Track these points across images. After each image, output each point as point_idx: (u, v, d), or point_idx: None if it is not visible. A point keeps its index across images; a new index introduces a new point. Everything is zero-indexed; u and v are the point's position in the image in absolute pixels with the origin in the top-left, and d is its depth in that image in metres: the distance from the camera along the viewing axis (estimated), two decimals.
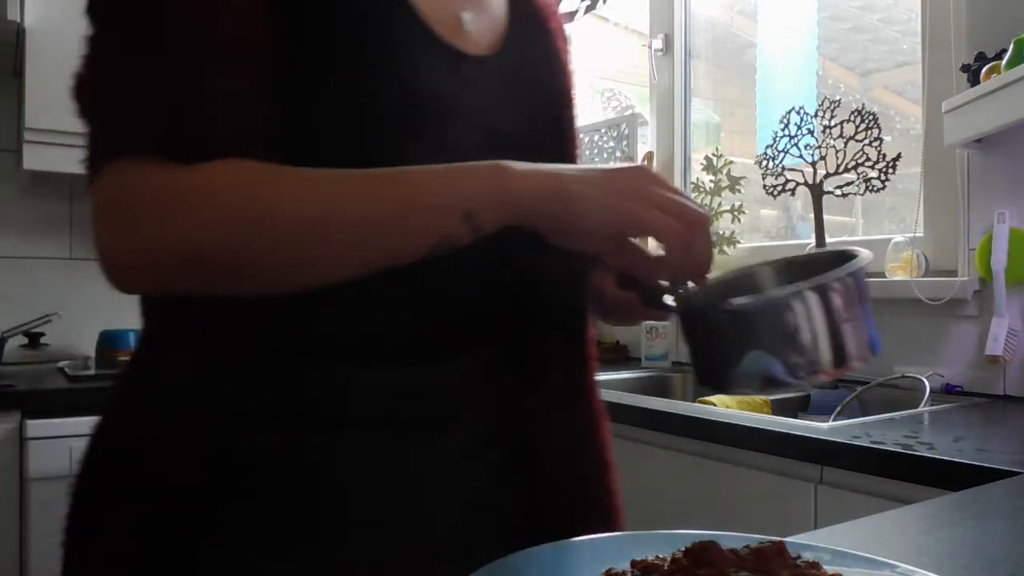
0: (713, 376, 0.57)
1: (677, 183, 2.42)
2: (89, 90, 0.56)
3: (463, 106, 0.65)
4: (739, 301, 0.54)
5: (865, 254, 0.56)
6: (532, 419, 0.67)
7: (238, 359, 0.58)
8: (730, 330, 0.54)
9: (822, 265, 0.56)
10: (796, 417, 1.53)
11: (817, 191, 1.89)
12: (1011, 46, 1.40)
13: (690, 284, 0.61)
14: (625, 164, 0.57)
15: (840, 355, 0.53)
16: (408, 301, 0.61)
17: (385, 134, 0.60)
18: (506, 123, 0.68)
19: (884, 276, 1.73)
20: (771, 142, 1.98)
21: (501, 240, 0.57)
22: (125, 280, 0.56)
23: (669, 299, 0.61)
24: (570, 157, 0.73)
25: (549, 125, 0.72)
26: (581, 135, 2.55)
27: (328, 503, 0.59)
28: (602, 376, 1.96)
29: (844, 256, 0.57)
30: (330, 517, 0.59)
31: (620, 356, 2.36)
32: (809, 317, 0.52)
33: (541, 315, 0.69)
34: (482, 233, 0.55)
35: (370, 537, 0.60)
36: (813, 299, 0.52)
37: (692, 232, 0.56)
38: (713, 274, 0.61)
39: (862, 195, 1.84)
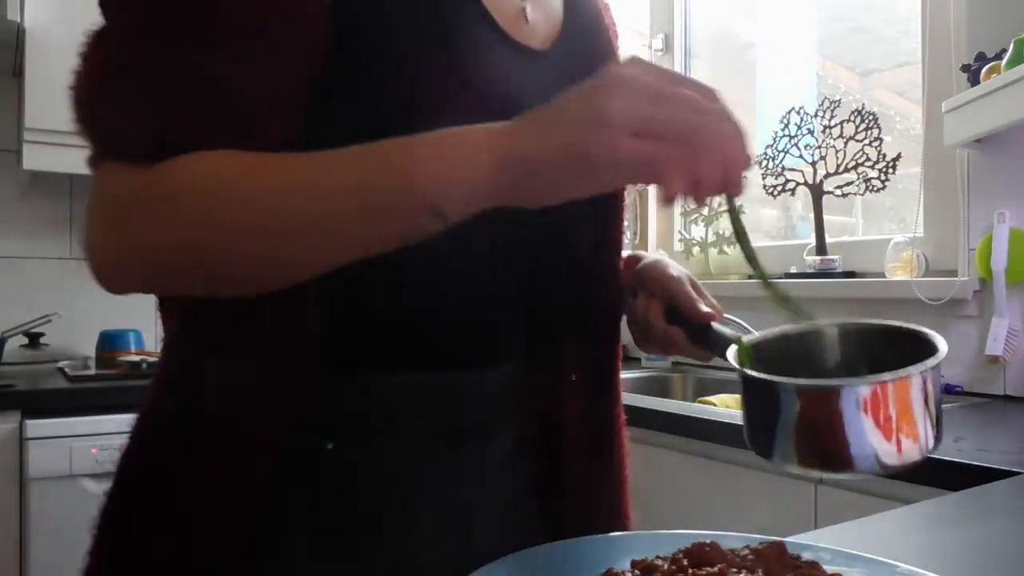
0: (765, 450, 0.53)
1: None
2: (87, 86, 0.55)
3: (524, 102, 0.61)
4: (809, 383, 0.49)
5: (942, 348, 0.51)
6: (559, 428, 0.66)
7: (286, 366, 0.56)
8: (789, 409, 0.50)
9: (895, 341, 0.53)
10: None
11: (817, 191, 1.88)
12: (1011, 46, 1.40)
13: (747, 335, 0.58)
14: (595, 79, 0.46)
15: (897, 451, 0.48)
16: (455, 304, 0.60)
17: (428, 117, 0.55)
18: None
19: (884, 276, 1.72)
20: (771, 142, 1.98)
21: (541, 243, 0.56)
22: (106, 280, 0.55)
23: (731, 355, 0.57)
24: None
25: None
26: None
27: (371, 512, 0.58)
28: None
29: (917, 338, 0.53)
30: (371, 526, 0.58)
31: (668, 355, 2.35)
32: (880, 410, 0.47)
33: (576, 324, 0.68)
34: (448, 220, 0.50)
35: (409, 549, 0.59)
36: (890, 390, 0.47)
37: (695, 149, 0.44)
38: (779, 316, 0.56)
39: (862, 195, 1.84)
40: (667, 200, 0.45)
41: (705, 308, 0.66)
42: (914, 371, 0.47)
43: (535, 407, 0.66)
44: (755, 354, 0.58)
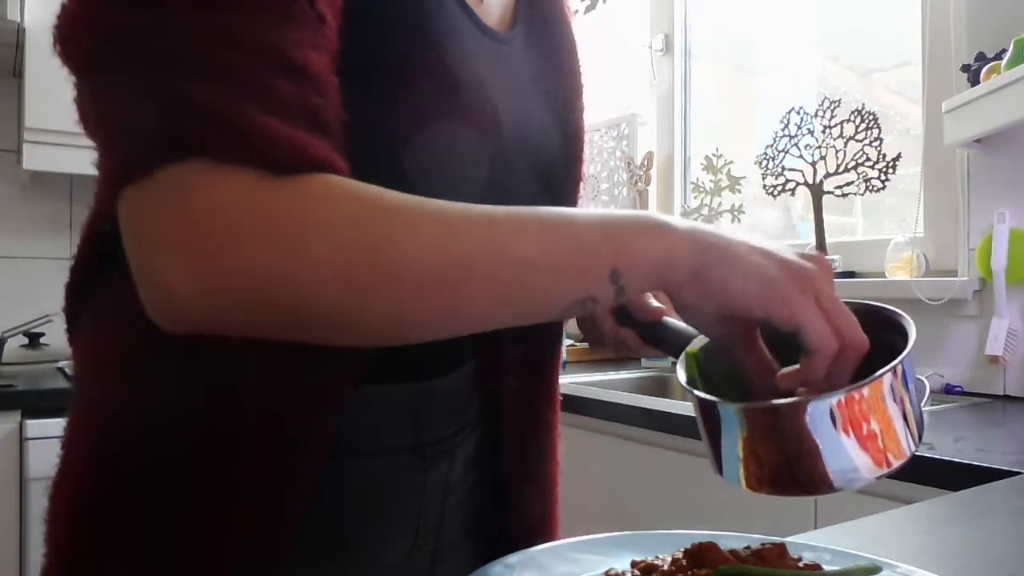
0: (718, 467, 0.52)
1: (677, 183, 2.42)
2: (120, 54, 0.42)
3: (494, 92, 0.58)
4: (751, 405, 0.47)
5: (911, 336, 0.48)
6: (500, 435, 0.66)
7: (254, 376, 0.50)
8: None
9: (865, 319, 0.50)
10: None
11: (817, 191, 1.88)
12: (1011, 46, 1.39)
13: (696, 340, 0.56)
14: (803, 253, 0.49)
15: (875, 463, 0.46)
16: None
17: (416, 115, 0.52)
18: (526, 114, 0.62)
19: (884, 276, 1.72)
20: (771, 142, 1.98)
21: None
22: (181, 321, 0.43)
23: (681, 372, 0.54)
24: (577, 152, 0.69)
25: (560, 115, 0.67)
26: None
27: (343, 528, 0.56)
28: (602, 376, 1.96)
29: (886, 319, 0.51)
30: (342, 547, 0.57)
31: (620, 356, 2.36)
32: (841, 424, 0.45)
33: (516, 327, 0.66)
34: (625, 298, 0.47)
35: (376, 561, 0.59)
36: (845, 404, 0.45)
37: (844, 356, 0.47)
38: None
39: (862, 195, 1.84)
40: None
41: (655, 304, 0.62)
42: (864, 385, 0.45)
43: (482, 412, 0.65)
44: (705, 358, 0.55)
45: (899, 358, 0.46)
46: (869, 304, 0.53)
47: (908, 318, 0.50)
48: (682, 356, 0.55)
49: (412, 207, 0.44)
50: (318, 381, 0.51)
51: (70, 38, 0.44)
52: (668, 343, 0.60)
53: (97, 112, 0.44)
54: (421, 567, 0.62)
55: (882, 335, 0.49)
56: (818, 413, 0.45)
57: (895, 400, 0.46)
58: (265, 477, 0.51)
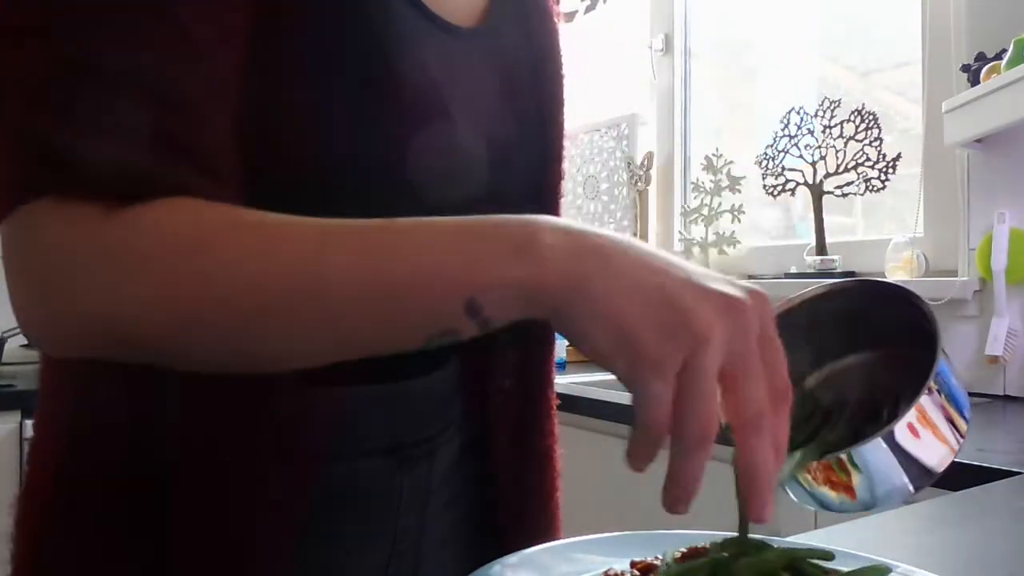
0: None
1: (677, 183, 2.42)
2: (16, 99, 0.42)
3: (450, 91, 0.55)
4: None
5: (939, 337, 0.46)
6: (492, 438, 0.65)
7: (216, 386, 0.49)
8: None
9: (886, 301, 0.49)
10: None
11: (817, 191, 1.88)
12: (1011, 46, 1.39)
13: None
14: (731, 286, 0.38)
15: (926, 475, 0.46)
16: None
17: (362, 125, 0.51)
18: (494, 112, 0.60)
19: (884, 276, 1.72)
20: (771, 142, 1.98)
21: None
22: (44, 347, 0.48)
23: None
24: (556, 152, 0.66)
25: (538, 113, 0.64)
26: (582, 135, 2.51)
27: (316, 534, 0.55)
28: (602, 376, 1.96)
29: (909, 302, 0.48)
30: (320, 549, 0.55)
31: None
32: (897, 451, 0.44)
33: (508, 329, 0.64)
34: (490, 328, 0.41)
35: (352, 568, 0.58)
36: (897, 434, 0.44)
37: (680, 445, 0.40)
38: None
39: (862, 195, 1.84)
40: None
41: None
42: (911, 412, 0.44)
43: (469, 416, 0.64)
44: None
45: (934, 368, 0.45)
46: (886, 283, 0.51)
47: (929, 309, 0.48)
48: None
49: (247, 232, 0.42)
50: (284, 386, 0.50)
51: None
52: None
53: None
54: (403, 572, 0.61)
55: (903, 311, 0.48)
56: (864, 455, 0.44)
57: (937, 409, 0.45)
58: (232, 490, 0.51)
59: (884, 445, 0.44)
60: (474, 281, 0.39)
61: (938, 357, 0.45)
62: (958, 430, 0.47)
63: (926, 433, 0.45)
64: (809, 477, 0.46)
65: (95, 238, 0.41)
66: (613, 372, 0.38)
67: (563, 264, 0.38)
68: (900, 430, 0.44)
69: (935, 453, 0.45)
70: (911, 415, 0.44)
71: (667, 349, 0.36)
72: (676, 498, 0.42)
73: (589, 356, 0.39)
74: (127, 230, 0.41)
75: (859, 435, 0.45)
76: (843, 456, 0.44)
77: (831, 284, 0.52)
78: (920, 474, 0.45)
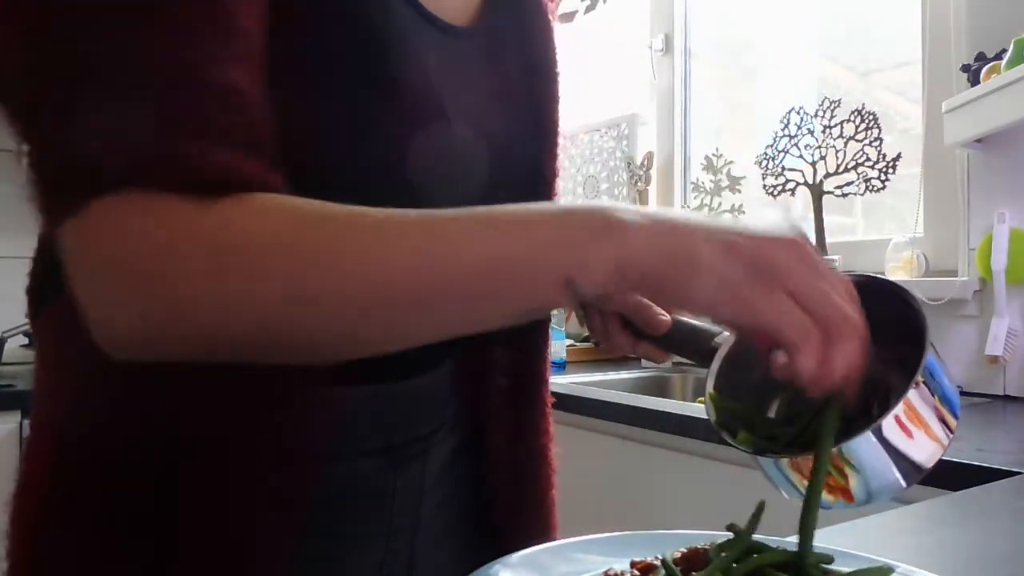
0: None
1: (677, 183, 2.42)
2: (38, 84, 0.42)
3: (448, 91, 0.56)
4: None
5: (926, 329, 0.46)
6: (487, 438, 0.65)
7: (214, 385, 0.49)
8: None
9: (876, 295, 0.48)
10: None
11: (817, 191, 1.88)
12: (1011, 46, 1.39)
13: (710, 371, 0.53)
14: (774, 230, 0.44)
15: (915, 470, 0.46)
16: None
17: (361, 124, 0.51)
18: (490, 112, 0.60)
19: (884, 276, 1.72)
20: (771, 142, 1.98)
21: None
22: (124, 351, 0.43)
23: (711, 415, 0.51)
24: (552, 149, 0.66)
25: (533, 112, 0.65)
26: (582, 135, 2.52)
27: (310, 534, 0.54)
28: (602, 376, 1.96)
29: (898, 296, 0.49)
30: (310, 550, 0.55)
31: (620, 356, 2.36)
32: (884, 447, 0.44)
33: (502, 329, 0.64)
34: (581, 300, 0.44)
35: (346, 568, 0.58)
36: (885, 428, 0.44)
37: (830, 345, 0.42)
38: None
39: (862, 195, 1.84)
40: (784, 372, 0.43)
41: (661, 316, 0.60)
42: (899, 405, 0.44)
43: (464, 416, 0.64)
44: (725, 381, 0.53)
45: (923, 360, 0.45)
46: (877, 278, 0.51)
47: (918, 305, 0.48)
48: (706, 399, 0.53)
49: (344, 224, 0.42)
50: (283, 386, 0.51)
51: None
52: (688, 347, 0.59)
53: (24, 138, 0.43)
54: (397, 572, 0.61)
55: (894, 307, 0.48)
56: (854, 450, 0.44)
57: (923, 406, 0.46)
58: (230, 489, 0.51)
59: (873, 439, 0.44)
60: (573, 260, 0.42)
61: (926, 351, 0.45)
62: (947, 425, 0.47)
63: (915, 428, 0.45)
64: (805, 481, 0.46)
65: (194, 233, 0.41)
66: (718, 320, 0.44)
67: (645, 238, 0.43)
68: (888, 424, 0.44)
69: (925, 447, 0.46)
70: (899, 409, 0.44)
71: (766, 283, 0.42)
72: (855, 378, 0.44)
73: (699, 311, 0.44)
74: (224, 223, 0.41)
75: (849, 431, 0.45)
76: (832, 451, 0.44)
77: None
78: (910, 468, 0.46)
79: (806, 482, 0.46)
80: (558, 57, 0.68)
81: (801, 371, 0.42)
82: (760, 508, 0.47)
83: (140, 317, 0.42)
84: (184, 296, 0.41)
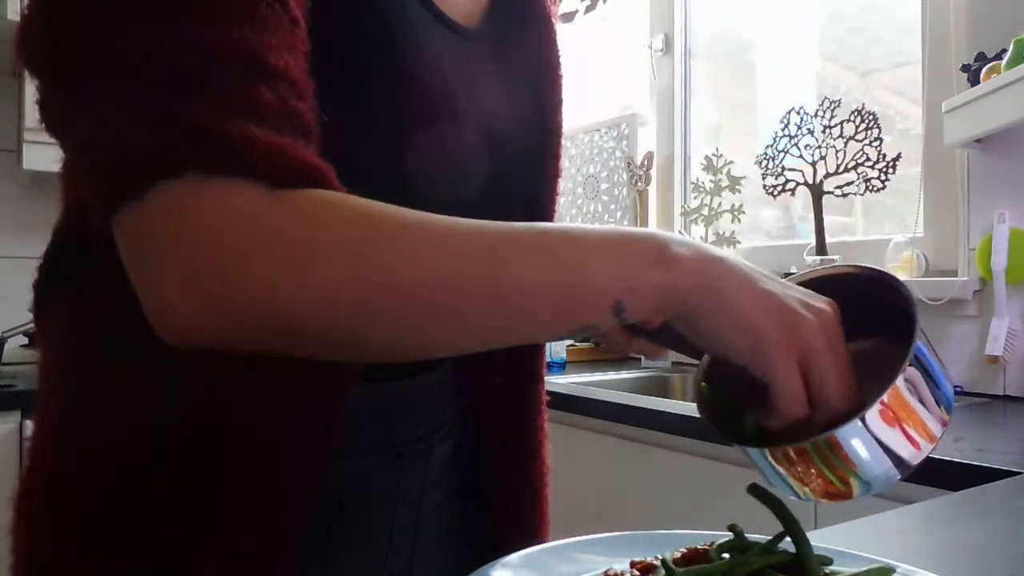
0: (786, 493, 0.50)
1: (677, 183, 2.42)
2: (93, 67, 0.41)
3: (458, 90, 0.57)
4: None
5: (916, 317, 0.46)
6: (483, 435, 0.66)
7: (228, 386, 0.50)
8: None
9: (862, 288, 0.49)
10: None
11: (817, 191, 1.88)
12: (1011, 46, 1.39)
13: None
14: (809, 295, 0.46)
15: (901, 463, 0.46)
16: None
17: (379, 122, 0.52)
18: (495, 112, 0.61)
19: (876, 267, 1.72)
20: (771, 142, 1.98)
21: None
22: (184, 339, 0.42)
23: (701, 409, 0.51)
24: (554, 151, 0.67)
25: (537, 113, 0.66)
26: (582, 135, 2.52)
27: (314, 531, 0.55)
28: (602, 376, 1.96)
29: (885, 285, 0.49)
30: (314, 546, 0.56)
31: (620, 356, 2.36)
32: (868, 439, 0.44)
33: None
34: (623, 323, 0.45)
35: (349, 564, 0.58)
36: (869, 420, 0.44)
37: (816, 418, 0.44)
38: None
39: (862, 195, 1.84)
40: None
41: None
42: (886, 393, 0.44)
43: (464, 415, 0.65)
44: (716, 374, 0.53)
45: (911, 348, 0.45)
46: (874, 269, 0.51)
47: (910, 294, 0.48)
48: (696, 390, 0.53)
49: (412, 228, 0.42)
50: (287, 386, 0.51)
51: (37, 49, 0.43)
52: (683, 342, 0.59)
53: (72, 125, 0.43)
54: (398, 570, 0.61)
55: (887, 297, 0.48)
56: (845, 437, 0.44)
57: (912, 394, 0.45)
58: (232, 489, 0.51)
59: (861, 426, 0.43)
60: (624, 285, 0.43)
61: (915, 339, 0.45)
62: (940, 411, 0.47)
63: (906, 414, 0.45)
64: (806, 489, 0.46)
65: (264, 224, 0.40)
66: (741, 362, 0.44)
67: (696, 272, 0.44)
68: (875, 413, 0.43)
69: (916, 436, 0.45)
70: (888, 396, 0.44)
71: (789, 341, 0.43)
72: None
73: (719, 350, 0.45)
74: (298, 218, 0.41)
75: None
76: (820, 440, 0.44)
77: (806, 273, 0.53)
78: (903, 457, 0.45)
79: (792, 477, 0.46)
80: (561, 60, 0.68)
81: (773, 424, 0.45)
82: (789, 528, 0.47)
83: (203, 309, 0.40)
84: (248, 292, 0.40)
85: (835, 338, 0.45)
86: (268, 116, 0.41)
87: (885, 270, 0.50)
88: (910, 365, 0.44)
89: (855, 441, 0.44)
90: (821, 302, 0.45)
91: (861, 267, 0.51)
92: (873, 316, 0.48)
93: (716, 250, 0.46)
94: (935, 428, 0.46)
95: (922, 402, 0.46)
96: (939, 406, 0.46)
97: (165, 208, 0.40)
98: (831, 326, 0.45)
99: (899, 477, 0.46)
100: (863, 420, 0.43)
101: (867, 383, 0.47)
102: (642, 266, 0.44)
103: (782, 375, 0.43)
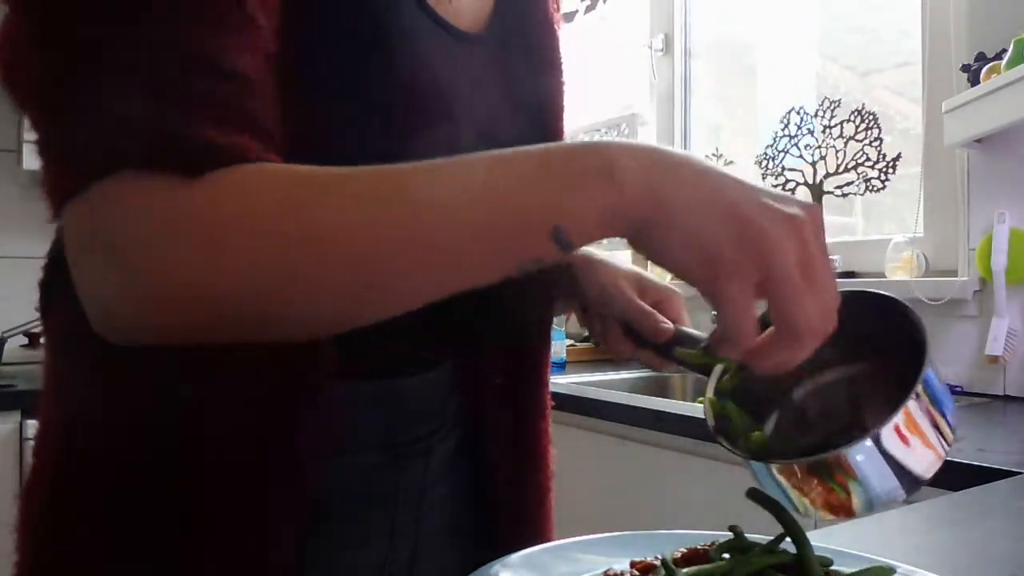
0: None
1: None
2: (46, 83, 0.42)
3: (456, 96, 0.56)
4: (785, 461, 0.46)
5: (927, 347, 0.45)
6: (484, 437, 0.65)
7: (219, 381, 0.49)
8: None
9: (873, 308, 0.49)
10: None
11: (817, 191, 1.88)
12: (1011, 46, 1.39)
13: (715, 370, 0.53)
14: (789, 200, 0.42)
15: (912, 482, 0.46)
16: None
17: (376, 126, 0.51)
18: (496, 117, 0.60)
19: (884, 276, 1.72)
20: (771, 142, 1.98)
21: None
22: (123, 336, 0.44)
23: (709, 419, 0.51)
24: None
25: (539, 118, 0.65)
26: (581, 135, 2.53)
27: (313, 530, 0.54)
28: (602, 376, 1.96)
29: (898, 311, 0.48)
30: (313, 546, 0.55)
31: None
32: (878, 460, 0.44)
33: (498, 328, 0.63)
34: (572, 251, 0.42)
35: (349, 564, 0.58)
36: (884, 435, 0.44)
37: (785, 346, 0.41)
38: None
39: (862, 195, 1.84)
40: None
41: (664, 324, 0.60)
42: (910, 402, 0.44)
43: (464, 415, 0.64)
44: (726, 384, 0.53)
45: (914, 388, 0.45)
46: (875, 293, 0.51)
47: (916, 317, 0.48)
48: (706, 403, 0.53)
49: (326, 187, 0.42)
50: (287, 383, 0.51)
51: (5, 62, 0.44)
52: (686, 363, 0.58)
53: (33, 126, 0.44)
54: (398, 570, 0.61)
55: (895, 322, 0.48)
56: (853, 457, 0.44)
57: (924, 414, 0.46)
58: (233, 488, 0.51)
59: (871, 446, 0.44)
60: (559, 208, 0.41)
61: (925, 364, 0.45)
62: (944, 437, 0.47)
63: (913, 438, 0.45)
64: (807, 502, 0.46)
65: (179, 206, 0.41)
66: (693, 284, 0.41)
67: (642, 185, 0.40)
68: (887, 432, 0.44)
69: (923, 456, 0.46)
70: (899, 418, 0.44)
71: (743, 258, 0.39)
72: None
73: (670, 269, 0.42)
74: (212, 195, 0.41)
75: (834, 445, 0.45)
76: (830, 457, 0.44)
77: None
78: (909, 477, 0.46)
79: (795, 492, 0.46)
80: (563, 65, 0.68)
81: (721, 354, 0.43)
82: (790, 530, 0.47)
83: (134, 299, 0.41)
84: (169, 273, 0.41)
85: (810, 248, 0.40)
86: (208, 112, 0.41)
87: (895, 296, 0.50)
88: (920, 388, 0.45)
89: (863, 460, 0.44)
90: (795, 206, 0.41)
91: (864, 291, 0.51)
92: (877, 338, 0.48)
93: (676, 155, 0.42)
94: (940, 449, 0.47)
95: (929, 424, 0.46)
96: (944, 429, 0.47)
97: (101, 202, 0.41)
98: (805, 234, 0.40)
99: (905, 496, 0.47)
100: (874, 439, 0.44)
101: (872, 403, 0.48)
102: (579, 185, 0.41)
103: (726, 296, 0.40)
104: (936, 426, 0.47)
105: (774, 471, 0.46)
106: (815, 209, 0.42)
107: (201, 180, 0.41)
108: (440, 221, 0.41)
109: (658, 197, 0.40)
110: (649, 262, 0.44)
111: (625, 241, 0.43)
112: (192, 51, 0.42)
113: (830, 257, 0.42)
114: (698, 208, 0.40)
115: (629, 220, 0.41)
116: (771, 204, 0.41)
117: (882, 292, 0.51)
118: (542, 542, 0.63)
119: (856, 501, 0.46)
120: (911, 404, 0.44)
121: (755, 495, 0.48)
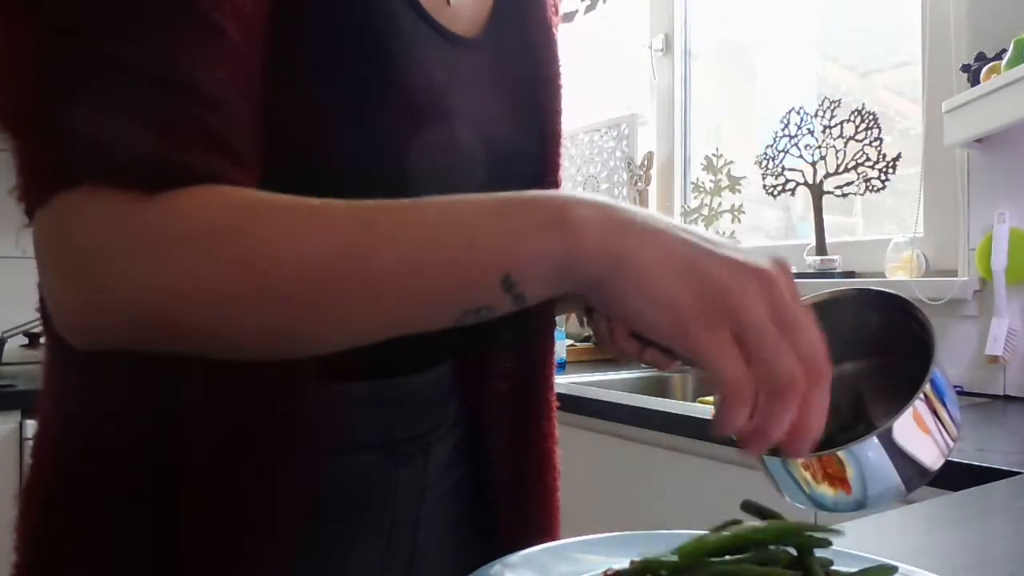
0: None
1: (677, 183, 2.42)
2: (19, 96, 0.43)
3: (453, 100, 0.56)
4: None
5: (934, 348, 0.46)
6: (487, 439, 0.65)
7: (215, 381, 0.50)
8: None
9: (879, 307, 0.50)
10: None
11: (817, 191, 1.89)
12: (1011, 46, 1.39)
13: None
14: (751, 255, 0.40)
15: (918, 476, 0.47)
16: None
17: (367, 132, 0.52)
18: (494, 121, 0.61)
19: (884, 276, 1.72)
20: (771, 142, 1.98)
21: None
22: (78, 339, 0.45)
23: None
24: (553, 161, 0.67)
25: (536, 122, 0.65)
26: (582, 135, 2.52)
27: (311, 527, 0.55)
28: (602, 376, 1.96)
29: (905, 310, 0.49)
30: (310, 543, 0.56)
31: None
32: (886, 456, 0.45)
33: (500, 326, 0.64)
34: (527, 304, 0.41)
35: (346, 562, 0.58)
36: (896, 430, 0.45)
37: (771, 403, 0.39)
38: None
39: (862, 195, 1.84)
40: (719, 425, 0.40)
41: None
42: (917, 404, 0.45)
43: (465, 415, 0.64)
44: None
45: (920, 389, 0.45)
46: (881, 292, 0.51)
47: (924, 317, 0.48)
48: (715, 400, 0.54)
49: (279, 214, 0.42)
50: (285, 383, 0.51)
51: None
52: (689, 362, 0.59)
53: (9, 136, 0.45)
54: (397, 568, 0.61)
55: (902, 321, 0.49)
56: (858, 454, 0.45)
57: (931, 412, 0.46)
58: (233, 486, 0.51)
59: (878, 443, 0.44)
60: (509, 255, 0.40)
61: (933, 363, 0.46)
62: (949, 435, 0.48)
63: (919, 434, 0.46)
64: (808, 475, 0.46)
65: (131, 223, 0.41)
66: (667, 342, 0.40)
67: (597, 237, 0.39)
68: (896, 429, 0.45)
69: (928, 455, 0.47)
70: (906, 416, 0.45)
71: (709, 310, 0.38)
72: (801, 441, 0.40)
73: (639, 329, 0.40)
74: (162, 214, 0.41)
75: (835, 443, 0.45)
76: (839, 454, 0.44)
77: (827, 292, 0.53)
78: (913, 475, 0.46)
79: (813, 483, 0.46)
80: (561, 69, 0.68)
81: (723, 427, 0.40)
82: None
83: (82, 305, 0.43)
84: (116, 288, 0.42)
85: (780, 297, 0.39)
86: (166, 127, 0.42)
87: (903, 296, 0.50)
88: (928, 387, 0.45)
89: (869, 456, 0.45)
90: (760, 260, 0.40)
91: (872, 290, 0.52)
92: (884, 337, 0.48)
93: (632, 210, 0.41)
94: (944, 448, 0.48)
95: (935, 423, 0.47)
96: (949, 427, 0.48)
97: (60, 214, 0.42)
98: (772, 285, 0.39)
99: (907, 493, 0.47)
100: (881, 437, 0.44)
101: (879, 401, 0.48)
102: (531, 232, 0.39)
103: (709, 352, 0.38)
104: (942, 425, 0.47)
105: (787, 465, 0.47)
106: (782, 261, 0.41)
107: (158, 198, 0.41)
108: (385, 258, 0.41)
109: (615, 252, 0.39)
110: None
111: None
112: (156, 68, 0.42)
113: (802, 300, 0.41)
114: (655, 266, 0.39)
115: (585, 274, 0.40)
116: (733, 258, 0.39)
117: (889, 291, 0.51)
118: (545, 542, 0.63)
119: (857, 493, 0.46)
120: (919, 403, 0.45)
121: (749, 506, 0.48)
